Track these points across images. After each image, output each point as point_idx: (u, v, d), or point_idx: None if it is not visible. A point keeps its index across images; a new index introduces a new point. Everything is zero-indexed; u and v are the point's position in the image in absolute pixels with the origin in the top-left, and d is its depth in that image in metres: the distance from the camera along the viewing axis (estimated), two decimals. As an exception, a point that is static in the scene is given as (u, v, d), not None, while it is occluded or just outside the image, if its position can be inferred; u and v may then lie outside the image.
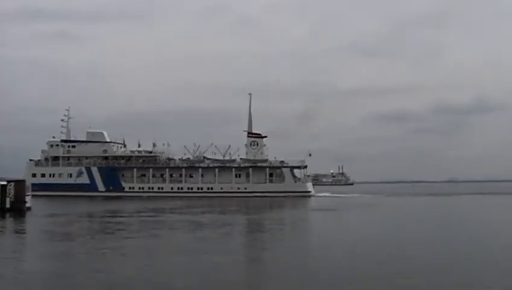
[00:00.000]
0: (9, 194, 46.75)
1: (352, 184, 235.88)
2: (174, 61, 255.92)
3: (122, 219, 43.94)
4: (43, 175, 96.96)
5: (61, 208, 58.78)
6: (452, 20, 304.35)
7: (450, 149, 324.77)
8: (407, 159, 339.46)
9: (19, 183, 48.90)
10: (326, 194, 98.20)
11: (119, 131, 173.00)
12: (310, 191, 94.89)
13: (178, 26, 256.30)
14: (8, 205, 46.28)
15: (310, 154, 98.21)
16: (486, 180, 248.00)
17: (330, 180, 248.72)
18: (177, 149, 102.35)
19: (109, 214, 49.21)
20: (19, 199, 47.13)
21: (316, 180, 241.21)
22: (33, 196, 51.28)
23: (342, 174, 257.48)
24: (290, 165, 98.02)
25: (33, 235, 31.84)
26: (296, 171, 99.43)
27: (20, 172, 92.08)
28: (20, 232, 34.51)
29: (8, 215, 43.88)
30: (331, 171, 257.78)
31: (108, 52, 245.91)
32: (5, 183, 47.52)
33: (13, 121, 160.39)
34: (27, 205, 47.70)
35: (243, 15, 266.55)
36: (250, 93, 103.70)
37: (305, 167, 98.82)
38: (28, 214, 45.54)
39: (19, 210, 45.70)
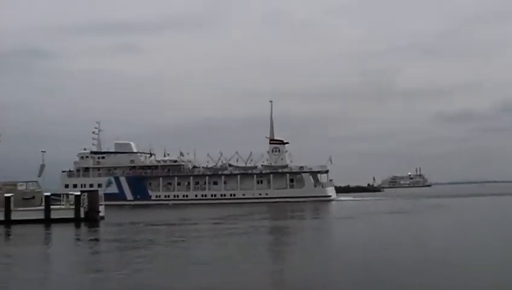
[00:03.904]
0: (83, 204, 48.35)
1: (429, 185, 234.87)
2: (236, 68, 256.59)
3: (196, 226, 44.72)
4: (75, 185, 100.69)
5: (131, 217, 60.24)
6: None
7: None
8: (475, 159, 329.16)
9: (92, 194, 50.62)
10: (349, 198, 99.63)
11: (182, 140, 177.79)
12: (330, 196, 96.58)
13: (237, 33, 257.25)
14: (82, 215, 47.81)
15: (331, 160, 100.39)
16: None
17: (408, 182, 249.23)
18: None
19: (181, 222, 49.37)
20: (93, 209, 48.38)
21: (394, 182, 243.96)
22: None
23: (420, 175, 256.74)
24: (311, 170, 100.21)
25: (122, 243, 31.95)
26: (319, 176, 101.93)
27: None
28: (99, 240, 35.62)
29: (82, 224, 45.43)
30: (409, 173, 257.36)
31: (170, 61, 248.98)
32: (79, 193, 49.59)
33: (78, 133, 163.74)
34: (100, 214, 48.99)
35: (300, 19, 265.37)
36: (271, 101, 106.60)
37: (327, 171, 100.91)
38: (101, 223, 46.57)
39: (93, 219, 47.05)
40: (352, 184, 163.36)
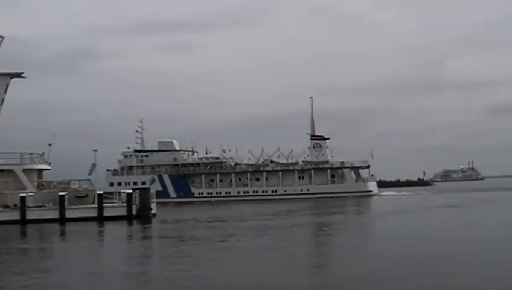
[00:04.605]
0: (135, 201, 49.23)
1: (482, 179, 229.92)
2: (282, 64, 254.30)
3: (247, 222, 44.92)
4: (119, 184, 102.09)
5: (180, 214, 60.97)
6: None
7: None
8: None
9: (144, 191, 51.53)
10: (391, 192, 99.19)
11: (225, 137, 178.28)
12: (371, 191, 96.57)
13: (283, 30, 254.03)
14: (134, 212, 48.35)
15: (372, 155, 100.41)
16: None
17: (460, 175, 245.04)
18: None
19: (230, 218, 49.14)
20: (145, 206, 49.09)
21: (446, 176, 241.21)
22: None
23: (472, 169, 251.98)
24: (352, 165, 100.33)
25: (169, 239, 32.35)
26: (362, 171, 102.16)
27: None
28: (153, 236, 36.21)
29: (135, 221, 46.24)
30: (461, 167, 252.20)
31: (219, 59, 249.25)
32: (130, 191, 50.45)
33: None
34: (152, 211, 49.73)
35: (348, 13, 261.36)
36: (311, 97, 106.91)
37: (368, 166, 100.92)
38: (153, 220, 47.19)
39: (145, 217, 47.63)
40: (403, 178, 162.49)
